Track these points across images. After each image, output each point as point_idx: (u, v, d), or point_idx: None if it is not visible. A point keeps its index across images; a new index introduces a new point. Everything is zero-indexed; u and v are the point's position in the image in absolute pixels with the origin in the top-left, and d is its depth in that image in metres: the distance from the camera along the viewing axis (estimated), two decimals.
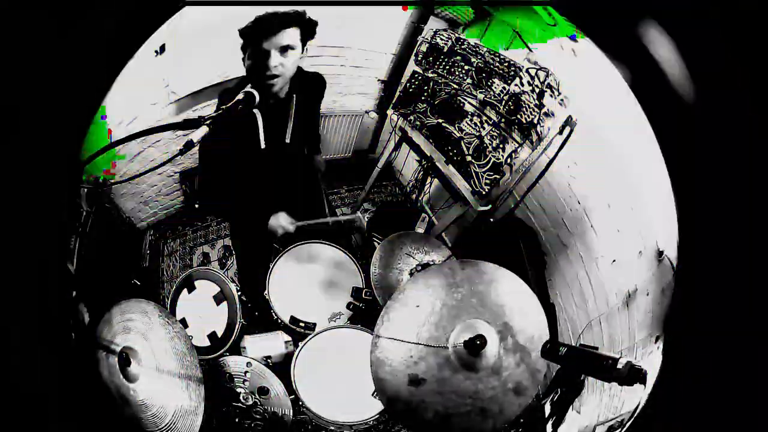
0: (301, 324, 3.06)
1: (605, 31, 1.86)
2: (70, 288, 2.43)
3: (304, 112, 2.90)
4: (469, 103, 3.48)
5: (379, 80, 4.55)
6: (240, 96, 2.41)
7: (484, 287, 2.39)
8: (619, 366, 1.73)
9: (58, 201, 1.68)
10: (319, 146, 3.56)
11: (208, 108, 3.73)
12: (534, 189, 3.20)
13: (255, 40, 2.50)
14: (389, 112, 4.05)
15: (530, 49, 3.33)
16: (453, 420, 2.16)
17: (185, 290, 3.21)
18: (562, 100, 2.95)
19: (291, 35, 2.53)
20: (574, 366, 1.90)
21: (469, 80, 3.46)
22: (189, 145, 2.02)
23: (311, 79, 2.96)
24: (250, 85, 2.51)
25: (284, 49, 2.54)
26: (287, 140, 2.87)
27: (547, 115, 3.01)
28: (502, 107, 3.22)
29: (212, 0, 3.23)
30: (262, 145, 2.75)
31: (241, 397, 2.69)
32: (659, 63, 1.63)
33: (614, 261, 2.85)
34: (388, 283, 3.19)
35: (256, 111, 2.65)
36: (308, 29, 2.61)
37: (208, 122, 2.08)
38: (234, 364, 2.79)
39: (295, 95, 2.79)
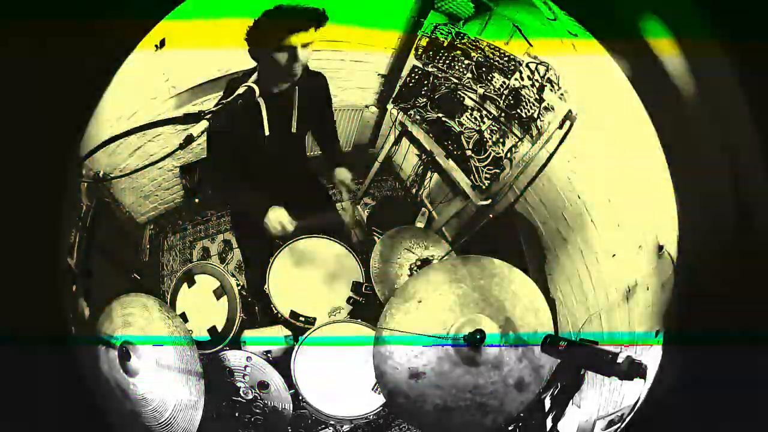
0: (301, 318, 3.07)
1: (605, 25, 1.86)
2: (70, 282, 2.43)
3: (308, 104, 2.89)
4: (469, 97, 3.48)
5: (379, 74, 4.54)
6: (240, 90, 2.40)
7: (485, 282, 2.40)
8: (619, 360, 1.73)
9: (57, 195, 1.68)
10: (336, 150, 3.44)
11: (208, 102, 3.73)
12: (534, 183, 3.20)
13: (278, 36, 2.49)
14: (389, 106, 4.05)
15: (530, 44, 3.33)
16: (452, 414, 2.16)
17: (185, 285, 3.22)
18: (562, 94, 2.95)
19: (312, 33, 2.53)
20: (574, 360, 1.90)
21: (469, 75, 3.46)
22: (189, 139, 2.02)
23: (312, 74, 2.94)
24: (252, 80, 2.51)
25: (305, 46, 2.54)
26: (293, 130, 2.88)
27: (547, 109, 3.01)
28: (502, 102, 3.22)
29: None
30: (267, 132, 2.75)
31: (241, 392, 2.70)
32: (659, 57, 1.63)
33: (614, 255, 2.85)
34: (388, 277, 3.20)
35: (260, 99, 2.65)
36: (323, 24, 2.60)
37: (208, 116, 2.08)
38: (234, 358, 2.79)
39: (297, 86, 2.79)
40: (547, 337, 1.97)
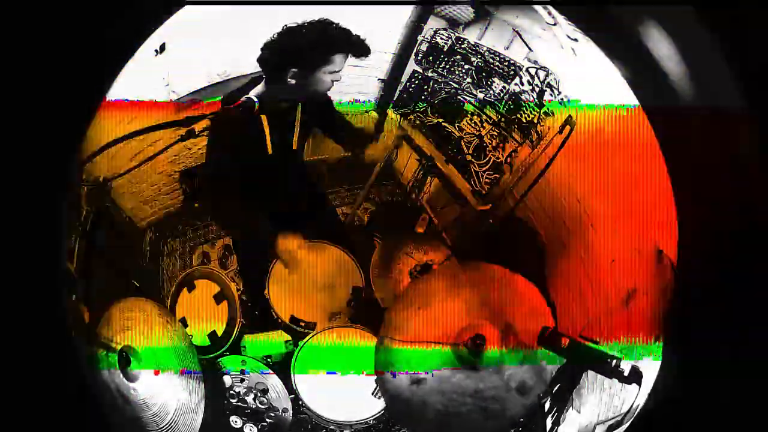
0: (301, 323, 3.06)
1: (605, 29, 1.86)
2: (70, 287, 2.43)
3: (310, 116, 2.89)
4: (469, 102, 3.48)
5: (378, 79, 4.54)
6: (242, 99, 2.47)
7: (485, 287, 2.39)
8: (622, 364, 1.74)
9: (58, 200, 1.68)
10: None
11: (207, 107, 3.73)
12: (534, 188, 3.20)
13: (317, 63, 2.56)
14: (389, 111, 4.05)
15: (530, 49, 3.33)
16: (454, 419, 2.16)
17: (185, 289, 3.21)
18: (562, 99, 2.95)
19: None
20: (576, 360, 1.90)
21: (469, 79, 3.46)
22: (191, 134, 2.04)
23: None
24: (253, 94, 2.53)
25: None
26: (294, 146, 2.87)
27: (547, 114, 3.01)
28: (502, 106, 3.22)
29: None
30: (269, 151, 2.75)
31: (240, 396, 2.69)
32: (659, 61, 1.63)
33: (613, 260, 2.85)
34: (388, 283, 3.19)
35: (263, 116, 2.65)
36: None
37: (209, 116, 2.10)
38: (233, 363, 2.79)
39: (300, 102, 2.77)
40: (546, 328, 1.96)
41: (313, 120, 2.97)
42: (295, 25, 2.50)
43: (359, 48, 2.59)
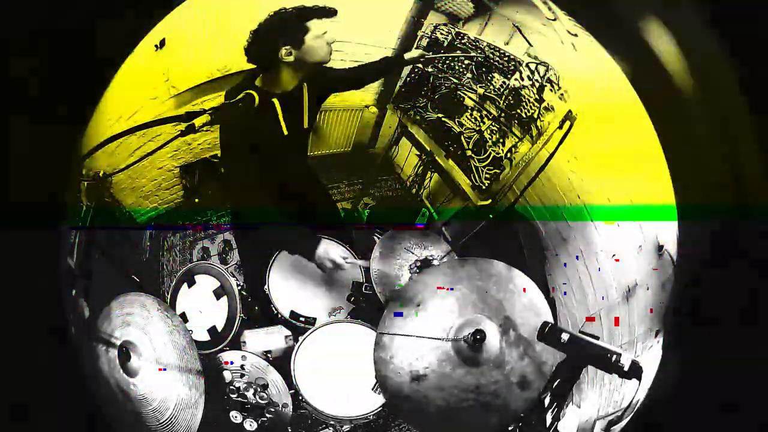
0: (301, 318, 3.06)
1: (605, 24, 1.86)
2: (70, 283, 2.43)
3: (317, 94, 2.93)
4: (469, 97, 3.47)
5: None
6: (241, 95, 2.49)
7: (483, 283, 2.39)
8: (622, 359, 1.74)
9: (57, 195, 1.68)
10: None
11: (208, 103, 3.73)
12: (534, 183, 3.19)
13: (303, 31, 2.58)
14: (389, 106, 4.04)
15: (530, 44, 3.33)
16: (455, 415, 2.16)
17: (185, 285, 3.21)
18: (562, 94, 2.95)
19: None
20: (576, 355, 1.90)
21: (468, 75, 3.46)
22: (191, 128, 2.05)
23: None
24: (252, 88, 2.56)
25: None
26: (305, 125, 2.90)
27: (547, 109, 3.00)
28: (502, 102, 3.21)
29: None
30: (285, 132, 2.76)
31: (240, 391, 2.69)
32: (659, 57, 1.63)
33: (614, 255, 2.85)
34: (388, 278, 3.19)
35: (274, 100, 2.66)
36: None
37: (210, 112, 2.10)
38: (233, 358, 2.79)
39: (305, 82, 2.78)
40: (546, 323, 1.96)
41: (321, 93, 3.00)
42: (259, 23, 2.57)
43: (323, 10, 2.61)
